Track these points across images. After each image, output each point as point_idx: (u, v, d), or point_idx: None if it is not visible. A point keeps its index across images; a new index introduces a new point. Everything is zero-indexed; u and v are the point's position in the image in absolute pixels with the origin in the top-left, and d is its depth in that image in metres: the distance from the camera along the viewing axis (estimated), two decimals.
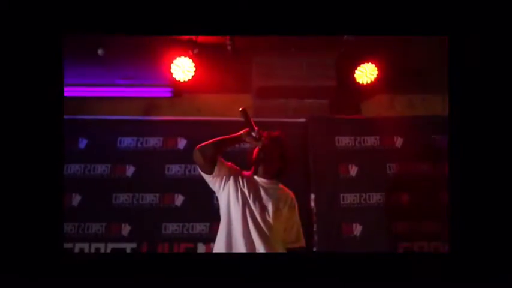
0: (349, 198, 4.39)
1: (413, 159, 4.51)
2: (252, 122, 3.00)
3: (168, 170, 4.39)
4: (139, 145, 4.45)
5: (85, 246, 4.11)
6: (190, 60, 4.74)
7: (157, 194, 4.31)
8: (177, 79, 4.86)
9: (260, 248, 2.82)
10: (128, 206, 4.25)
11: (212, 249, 3.10)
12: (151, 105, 5.30)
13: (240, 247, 2.83)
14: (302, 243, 3.13)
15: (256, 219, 2.88)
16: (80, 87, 5.12)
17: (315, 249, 4.21)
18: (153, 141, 4.47)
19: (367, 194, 4.40)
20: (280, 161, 3.09)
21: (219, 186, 2.96)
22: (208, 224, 4.09)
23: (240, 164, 3.10)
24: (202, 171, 2.97)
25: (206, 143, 2.93)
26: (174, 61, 4.75)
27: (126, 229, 4.19)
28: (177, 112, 5.17)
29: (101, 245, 4.13)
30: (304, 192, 4.34)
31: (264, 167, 3.08)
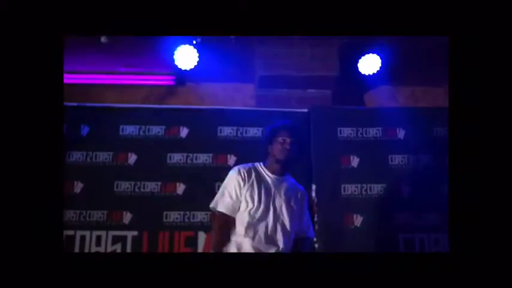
0: (350, 189, 4.39)
1: (415, 151, 4.51)
2: None
3: (170, 159, 4.39)
4: (141, 133, 4.44)
5: (86, 233, 4.12)
6: (194, 49, 4.74)
7: (159, 183, 4.31)
8: (180, 67, 4.86)
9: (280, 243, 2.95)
10: (129, 194, 4.25)
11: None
12: (153, 93, 5.30)
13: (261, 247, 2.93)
14: (311, 233, 3.24)
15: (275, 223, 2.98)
16: (83, 75, 5.13)
17: (315, 239, 4.21)
18: (155, 130, 4.46)
19: (369, 185, 4.40)
20: (292, 151, 3.10)
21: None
22: (209, 213, 4.09)
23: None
24: None
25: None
26: (177, 49, 4.75)
27: (127, 217, 4.19)
28: (179, 100, 5.17)
29: (102, 233, 4.13)
30: (306, 183, 4.34)
31: (272, 162, 3.16)
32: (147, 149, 4.38)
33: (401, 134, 4.57)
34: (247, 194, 3.00)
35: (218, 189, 3.17)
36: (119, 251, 4.11)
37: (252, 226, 2.95)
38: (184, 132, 4.46)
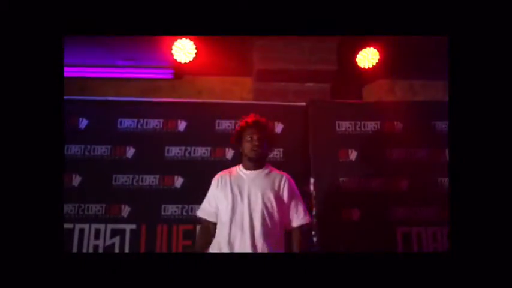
0: (348, 183, 4.40)
1: (413, 144, 4.51)
2: None
3: (168, 152, 4.39)
4: (139, 126, 4.44)
5: (85, 227, 4.13)
6: (192, 42, 4.74)
7: (157, 176, 4.31)
8: (178, 61, 4.86)
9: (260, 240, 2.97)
10: (127, 187, 4.26)
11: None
12: (152, 86, 5.29)
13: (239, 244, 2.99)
14: (307, 219, 3.24)
15: (250, 214, 3.03)
16: (81, 68, 5.12)
17: (314, 233, 4.23)
18: (154, 123, 4.46)
19: (367, 179, 4.41)
20: (261, 147, 3.17)
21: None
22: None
23: None
24: None
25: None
26: (175, 43, 4.74)
27: (125, 210, 4.20)
28: (177, 94, 5.17)
29: (101, 226, 4.14)
30: (304, 176, 4.35)
31: (245, 160, 3.23)
32: (145, 142, 4.39)
33: (399, 127, 4.57)
34: (222, 196, 3.12)
35: None
36: (117, 244, 4.12)
37: (228, 221, 3.03)
38: (182, 125, 4.46)
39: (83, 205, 4.17)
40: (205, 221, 3.23)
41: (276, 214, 3.07)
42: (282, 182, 3.19)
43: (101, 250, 4.10)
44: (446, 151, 4.25)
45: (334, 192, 4.37)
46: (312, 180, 4.37)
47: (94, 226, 4.14)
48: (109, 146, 4.35)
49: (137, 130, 4.43)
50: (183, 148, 4.40)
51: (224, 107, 4.57)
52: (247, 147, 3.16)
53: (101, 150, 4.34)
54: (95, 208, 4.18)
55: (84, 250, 4.08)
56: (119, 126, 4.42)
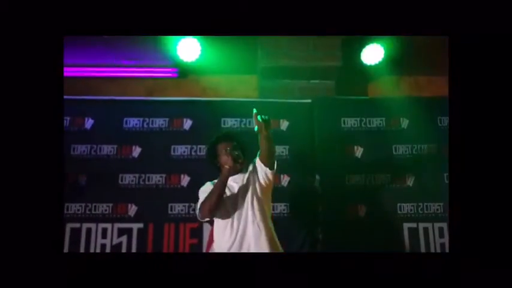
0: (354, 179, 4.40)
1: (418, 140, 4.51)
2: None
3: (174, 151, 4.40)
4: (145, 126, 4.45)
5: (92, 226, 4.14)
6: (196, 41, 4.74)
7: (164, 175, 4.33)
8: (183, 60, 4.86)
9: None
10: (134, 186, 4.28)
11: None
12: (157, 85, 5.29)
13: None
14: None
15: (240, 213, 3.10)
16: (86, 68, 5.12)
17: (319, 230, 4.23)
18: (159, 122, 4.47)
19: (372, 175, 4.41)
20: (236, 156, 3.09)
21: None
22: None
23: None
24: None
25: (203, 202, 3.08)
26: (180, 42, 4.75)
27: (132, 209, 4.21)
28: (182, 93, 5.16)
29: (108, 225, 4.16)
30: (310, 173, 4.35)
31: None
32: (151, 141, 4.40)
33: (405, 123, 4.57)
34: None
35: None
36: (124, 243, 4.13)
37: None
38: (188, 124, 4.47)
39: (90, 204, 4.18)
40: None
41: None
42: (252, 166, 3.24)
43: (108, 249, 4.11)
44: None
45: (340, 189, 4.37)
46: (317, 177, 4.37)
47: (101, 225, 4.16)
48: (115, 146, 4.37)
49: (143, 129, 4.44)
50: (189, 147, 4.41)
51: (229, 105, 4.57)
52: (224, 159, 3.14)
53: (107, 149, 4.36)
54: (102, 207, 4.19)
55: (92, 249, 4.10)
56: (124, 125, 4.44)
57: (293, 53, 4.88)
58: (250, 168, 3.22)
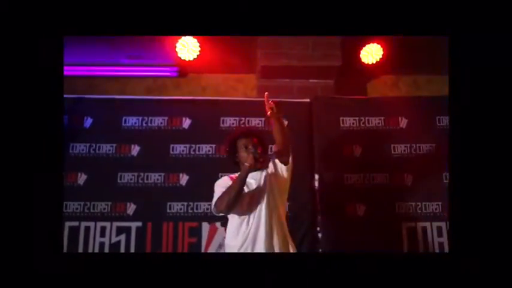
0: (353, 179, 4.40)
1: (417, 139, 4.51)
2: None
3: (173, 150, 4.41)
4: (144, 124, 4.46)
5: (91, 224, 4.15)
6: (196, 40, 4.75)
7: (162, 174, 4.33)
8: (183, 59, 4.86)
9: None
10: (133, 185, 4.28)
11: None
12: (156, 84, 5.30)
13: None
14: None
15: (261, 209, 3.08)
16: (86, 67, 5.12)
17: (318, 229, 4.24)
18: (158, 121, 4.47)
19: (371, 175, 4.41)
20: (257, 154, 3.08)
21: None
22: (212, 203, 4.12)
23: None
24: None
25: (221, 197, 3.05)
26: (180, 41, 4.75)
27: (131, 208, 4.22)
28: (182, 91, 5.17)
29: (107, 224, 4.16)
30: (309, 172, 4.36)
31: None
32: (150, 140, 4.41)
33: (403, 123, 4.57)
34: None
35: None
36: (123, 242, 4.14)
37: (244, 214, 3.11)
38: (187, 123, 4.48)
39: (88, 203, 4.19)
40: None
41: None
42: (270, 164, 3.26)
43: (106, 248, 4.12)
44: None
45: (338, 188, 4.38)
46: (316, 176, 4.37)
47: (100, 224, 4.16)
48: (114, 144, 4.37)
49: (142, 128, 4.45)
50: (188, 146, 4.41)
51: (228, 104, 4.58)
52: (243, 156, 3.15)
53: (106, 148, 4.36)
54: (101, 206, 4.20)
55: (90, 248, 4.11)
56: (123, 124, 4.44)
57: (292, 52, 4.88)
58: (270, 165, 3.23)
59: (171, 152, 4.39)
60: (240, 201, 3.05)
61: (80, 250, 4.10)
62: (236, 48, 4.88)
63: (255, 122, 4.45)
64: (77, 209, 4.16)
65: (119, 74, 5.24)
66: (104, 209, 4.20)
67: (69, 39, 2.64)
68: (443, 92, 4.62)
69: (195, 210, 4.23)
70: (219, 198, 3.06)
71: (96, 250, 4.11)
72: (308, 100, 4.63)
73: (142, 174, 4.30)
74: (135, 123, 4.44)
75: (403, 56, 4.91)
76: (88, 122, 4.42)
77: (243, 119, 4.48)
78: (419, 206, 4.34)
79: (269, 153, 3.22)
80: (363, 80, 5.40)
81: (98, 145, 4.36)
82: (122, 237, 4.16)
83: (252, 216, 3.07)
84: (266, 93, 2.98)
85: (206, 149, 4.40)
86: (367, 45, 4.95)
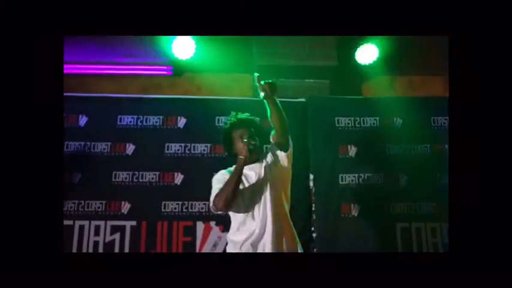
0: (347, 179, 4.40)
1: (412, 140, 4.52)
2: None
3: (168, 149, 4.40)
4: (139, 123, 4.44)
5: (85, 223, 4.14)
6: (191, 39, 4.75)
7: (157, 172, 4.32)
8: (178, 58, 4.86)
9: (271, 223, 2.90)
10: (127, 184, 4.27)
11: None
12: (151, 83, 5.30)
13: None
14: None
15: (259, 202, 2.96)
16: (81, 65, 5.12)
17: (313, 229, 4.24)
18: (153, 120, 4.46)
19: (366, 175, 4.41)
20: (252, 145, 2.96)
21: None
22: (207, 203, 4.10)
23: None
24: None
25: (218, 194, 2.91)
26: (175, 40, 4.75)
27: (125, 207, 4.21)
28: (177, 91, 5.17)
29: (101, 223, 4.15)
30: (303, 172, 4.36)
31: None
32: (145, 139, 4.39)
33: (398, 123, 4.58)
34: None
35: None
36: (117, 241, 4.13)
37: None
38: (182, 122, 4.47)
39: (83, 202, 4.17)
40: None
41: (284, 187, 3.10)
42: (267, 153, 3.17)
43: (101, 247, 4.11)
44: (446, 146, 4.24)
45: (333, 188, 4.38)
46: (311, 176, 4.38)
47: (94, 223, 4.15)
48: (109, 143, 4.36)
49: (137, 127, 4.43)
50: (183, 145, 4.40)
51: (224, 103, 4.57)
52: (239, 147, 3.01)
53: (101, 147, 4.35)
54: (95, 205, 4.18)
55: (84, 247, 4.09)
56: (118, 123, 4.43)
57: (288, 52, 4.89)
58: (269, 155, 3.10)
59: (166, 151, 4.38)
60: (241, 196, 2.95)
61: (74, 249, 4.08)
62: (232, 48, 4.89)
63: None
64: (71, 207, 4.15)
65: (115, 72, 5.24)
66: (99, 207, 4.19)
67: (65, 38, 2.63)
68: (439, 93, 4.67)
69: (189, 210, 4.23)
70: (216, 196, 2.92)
71: (91, 249, 4.09)
72: (304, 100, 4.63)
73: (137, 173, 4.29)
74: (130, 122, 4.43)
75: (398, 57, 4.93)
76: (83, 120, 4.41)
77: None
78: (414, 206, 4.34)
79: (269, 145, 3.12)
80: (359, 80, 5.41)
81: (92, 144, 4.34)
82: (117, 236, 4.14)
83: (257, 210, 2.94)
84: (257, 74, 2.83)
85: (201, 148, 4.39)
86: (363, 46, 4.96)
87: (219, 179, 3.03)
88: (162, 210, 4.23)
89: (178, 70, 5.27)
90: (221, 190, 2.90)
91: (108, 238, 4.13)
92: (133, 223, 4.18)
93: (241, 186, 2.96)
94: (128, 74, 5.28)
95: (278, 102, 2.93)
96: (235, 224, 3.02)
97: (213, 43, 4.78)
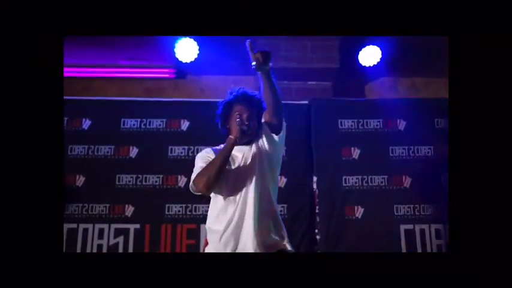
0: (351, 181, 4.40)
1: (416, 141, 4.52)
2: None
3: (171, 151, 4.40)
4: (142, 126, 4.45)
5: (89, 226, 4.14)
6: (194, 42, 4.75)
7: (161, 175, 4.33)
8: (181, 60, 4.86)
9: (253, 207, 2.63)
10: (131, 187, 4.28)
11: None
12: (154, 86, 5.30)
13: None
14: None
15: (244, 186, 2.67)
16: (84, 68, 5.12)
17: (316, 231, 4.24)
18: (157, 123, 4.47)
19: (369, 177, 4.41)
20: (245, 127, 2.70)
21: None
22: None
23: None
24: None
25: (200, 174, 2.66)
26: (178, 42, 4.75)
27: (129, 210, 4.22)
28: (180, 93, 5.17)
29: (105, 226, 4.16)
30: (307, 174, 4.36)
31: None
32: (148, 142, 4.40)
33: (402, 125, 4.57)
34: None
35: None
36: (121, 244, 4.14)
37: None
38: (185, 125, 4.47)
39: (86, 205, 4.18)
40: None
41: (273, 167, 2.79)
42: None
43: (104, 250, 4.12)
44: None
45: (337, 190, 4.38)
46: (315, 178, 4.38)
47: (98, 226, 4.16)
48: (112, 146, 4.37)
49: (140, 130, 4.44)
50: (186, 147, 4.41)
51: None
52: (233, 126, 2.75)
53: (105, 150, 4.35)
54: (99, 208, 4.19)
55: (88, 250, 4.11)
56: (122, 126, 4.44)
57: (290, 54, 4.89)
58: (260, 139, 2.78)
59: (170, 154, 4.39)
60: (225, 179, 2.66)
61: (78, 252, 4.08)
62: (234, 50, 4.89)
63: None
64: (75, 211, 4.16)
65: (118, 75, 5.24)
66: (102, 211, 4.19)
67: (68, 41, 2.63)
68: (442, 94, 4.64)
69: (193, 212, 4.23)
70: (197, 175, 2.65)
71: (94, 252, 4.10)
72: (306, 102, 4.63)
73: (140, 176, 4.30)
74: (134, 125, 4.44)
75: (401, 59, 4.92)
76: (86, 123, 4.42)
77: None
78: (418, 208, 4.34)
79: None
80: (361, 82, 5.40)
81: (96, 147, 4.35)
82: (120, 239, 4.15)
83: (237, 197, 2.64)
84: (248, 40, 2.59)
85: None
86: (366, 47, 4.96)
87: (203, 156, 2.78)
88: (166, 213, 4.24)
89: (181, 73, 5.27)
90: (204, 169, 2.64)
91: (112, 241, 4.14)
92: (137, 226, 4.19)
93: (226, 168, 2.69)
94: (131, 77, 5.28)
95: (272, 75, 2.68)
96: (215, 211, 2.73)
97: (216, 45, 4.77)
